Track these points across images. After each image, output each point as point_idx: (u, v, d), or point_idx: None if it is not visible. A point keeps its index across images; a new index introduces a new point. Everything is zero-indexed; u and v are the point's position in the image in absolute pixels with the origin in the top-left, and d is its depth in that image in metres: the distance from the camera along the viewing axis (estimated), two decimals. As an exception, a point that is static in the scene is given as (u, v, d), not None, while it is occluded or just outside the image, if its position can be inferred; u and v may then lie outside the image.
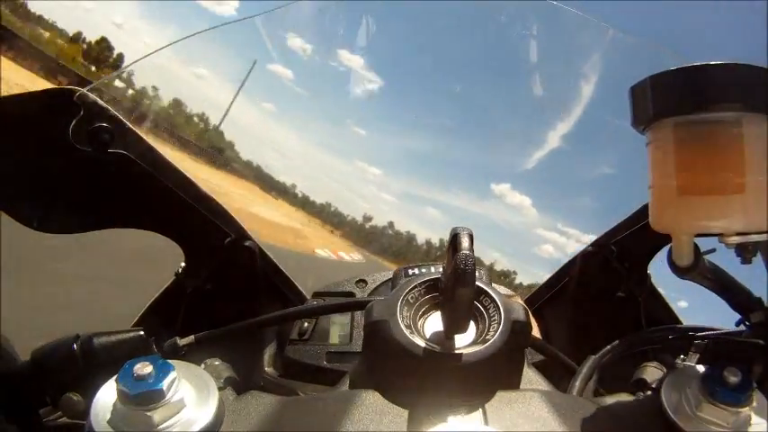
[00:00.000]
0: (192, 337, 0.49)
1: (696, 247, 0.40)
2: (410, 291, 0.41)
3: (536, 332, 0.77)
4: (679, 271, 0.41)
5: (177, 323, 0.61)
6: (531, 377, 0.42)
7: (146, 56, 0.63)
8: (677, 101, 0.36)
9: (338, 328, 0.70)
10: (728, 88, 0.35)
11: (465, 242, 0.35)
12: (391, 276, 0.69)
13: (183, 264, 0.64)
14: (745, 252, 0.37)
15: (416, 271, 0.57)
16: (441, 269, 0.40)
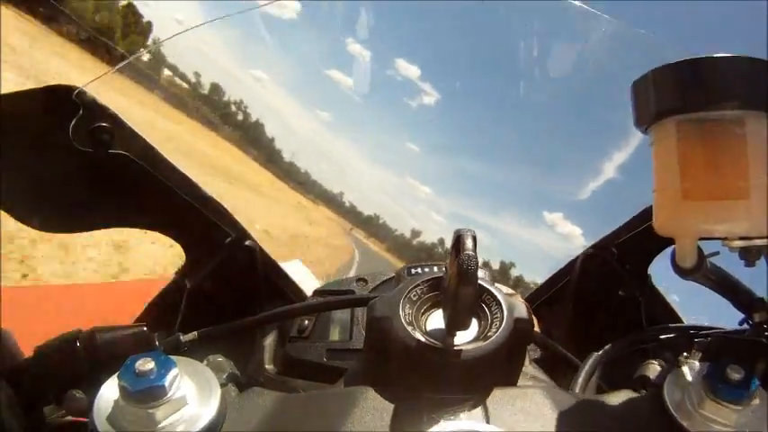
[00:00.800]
0: (194, 333, 0.49)
1: (699, 249, 0.40)
2: (413, 289, 0.41)
3: (536, 331, 0.77)
4: (682, 273, 0.41)
5: (177, 322, 0.61)
6: (532, 374, 0.42)
7: (143, 53, 0.63)
8: (681, 98, 0.35)
9: (339, 326, 0.70)
10: (731, 83, 0.34)
11: (468, 243, 0.35)
12: (391, 275, 0.69)
13: (183, 263, 0.64)
14: (748, 255, 0.37)
15: (419, 270, 0.57)
16: (443, 269, 0.40)
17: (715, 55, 0.35)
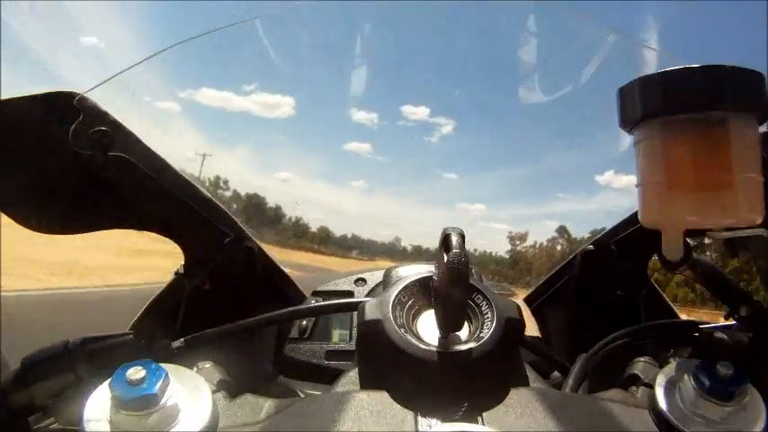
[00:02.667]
0: (181, 340, 0.49)
1: (686, 242, 0.40)
2: (402, 290, 0.41)
3: (533, 330, 0.77)
4: (670, 266, 0.41)
5: (176, 323, 0.61)
6: (525, 375, 0.42)
7: (144, 60, 0.63)
8: (666, 103, 0.36)
9: (338, 327, 0.70)
10: (716, 90, 0.35)
11: (457, 241, 0.35)
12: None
13: (182, 264, 0.64)
14: (732, 247, 0.37)
15: (409, 270, 0.57)
16: (432, 268, 0.40)
17: (700, 65, 0.36)
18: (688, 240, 0.40)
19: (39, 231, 0.53)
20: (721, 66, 0.35)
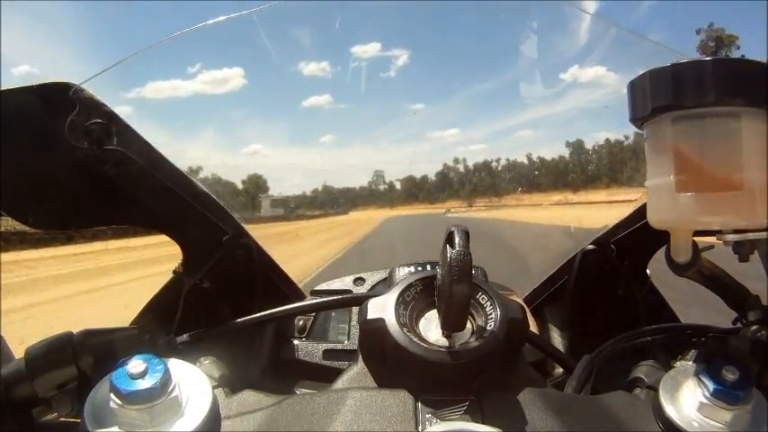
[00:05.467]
0: (186, 335, 0.49)
1: (694, 244, 0.40)
2: (406, 288, 0.41)
3: (534, 330, 0.77)
4: (677, 268, 0.41)
5: (175, 320, 0.61)
6: (528, 375, 0.41)
7: (139, 52, 0.62)
8: (676, 95, 0.35)
9: (337, 326, 0.70)
10: (727, 83, 0.34)
11: (461, 240, 0.35)
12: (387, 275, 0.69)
13: (180, 262, 0.64)
14: (742, 249, 0.37)
15: (412, 269, 0.57)
16: (437, 267, 0.40)
17: (711, 57, 0.35)
18: (696, 242, 0.39)
19: (34, 227, 0.52)
20: (733, 58, 0.35)
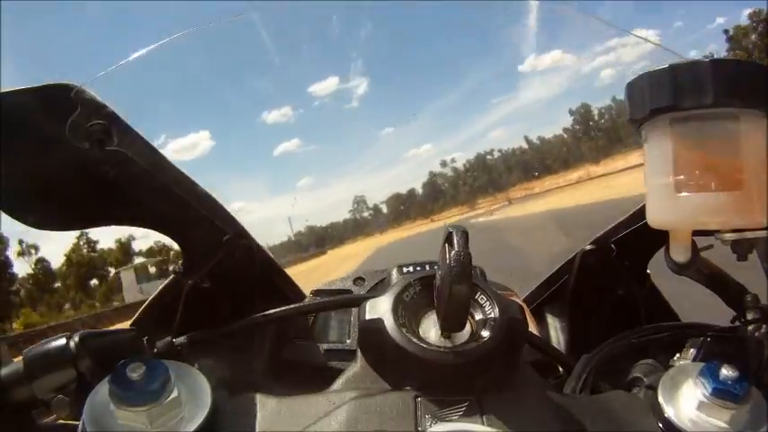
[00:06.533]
0: (185, 336, 0.49)
1: (693, 243, 0.40)
2: (405, 289, 0.41)
3: (534, 330, 0.77)
4: (676, 267, 0.41)
5: (175, 322, 0.61)
6: (527, 375, 0.41)
7: (143, 52, 0.62)
8: (674, 97, 0.35)
9: (337, 326, 0.70)
10: (726, 84, 0.35)
11: (460, 240, 0.35)
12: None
13: (180, 262, 0.64)
14: (741, 249, 0.37)
15: (411, 269, 0.57)
16: (436, 267, 0.40)
17: (710, 59, 0.35)
18: (695, 241, 0.39)
19: (35, 227, 0.52)
20: (731, 59, 0.35)
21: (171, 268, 0.65)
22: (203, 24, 0.63)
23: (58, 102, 0.48)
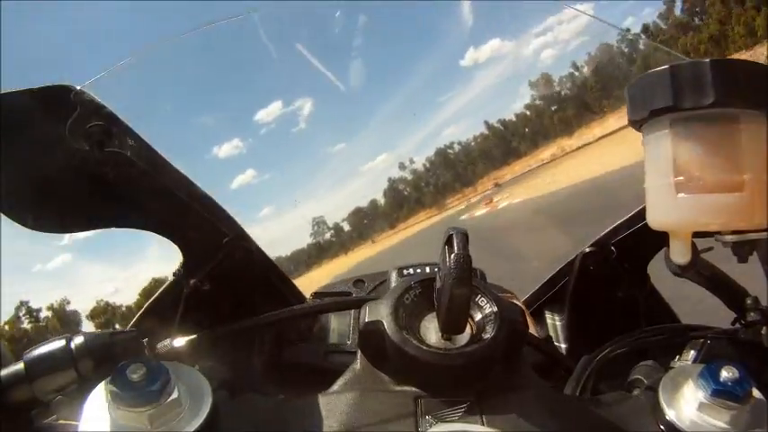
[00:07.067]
0: (185, 338, 0.49)
1: (694, 245, 0.40)
2: (405, 291, 0.41)
3: (534, 332, 0.77)
4: (676, 269, 0.41)
5: (175, 323, 0.61)
6: (528, 377, 0.41)
7: (143, 51, 0.62)
8: (674, 97, 0.35)
9: (337, 327, 0.70)
10: (726, 85, 0.34)
11: (460, 242, 0.35)
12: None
13: (181, 264, 0.64)
14: (741, 250, 0.37)
15: (411, 271, 0.57)
16: (436, 269, 0.40)
17: (709, 59, 0.35)
18: (695, 243, 0.39)
19: (35, 229, 0.52)
20: (731, 60, 0.35)
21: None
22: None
23: (58, 103, 0.48)
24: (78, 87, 0.49)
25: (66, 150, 0.49)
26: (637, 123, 0.39)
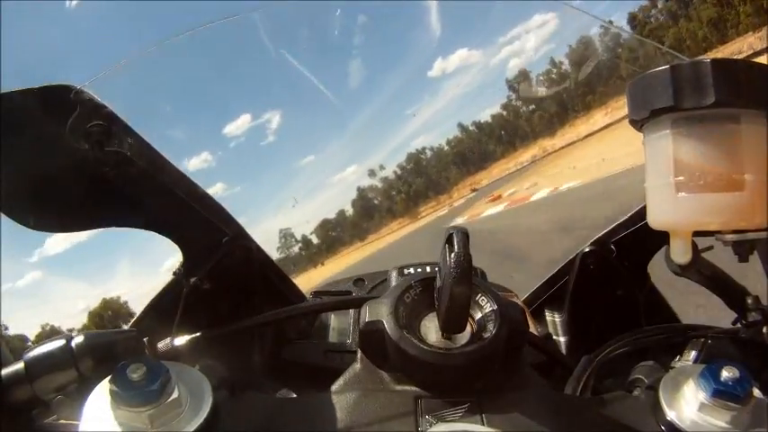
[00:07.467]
0: (185, 337, 0.49)
1: (694, 244, 0.40)
2: (405, 290, 0.41)
3: (534, 331, 0.77)
4: (677, 268, 0.41)
5: (175, 322, 0.61)
6: (528, 376, 0.41)
7: (143, 52, 0.62)
8: (675, 97, 0.35)
9: (337, 327, 0.70)
10: (726, 84, 0.34)
11: (461, 241, 0.35)
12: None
13: (180, 263, 0.64)
14: (742, 250, 0.37)
15: (411, 270, 0.57)
16: (436, 268, 0.40)
17: (711, 58, 0.35)
18: (695, 242, 0.39)
19: (35, 229, 0.52)
20: (732, 60, 0.35)
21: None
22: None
23: (58, 103, 0.48)
24: (78, 87, 0.49)
25: (66, 150, 0.49)
26: (637, 123, 0.39)
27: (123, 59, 0.61)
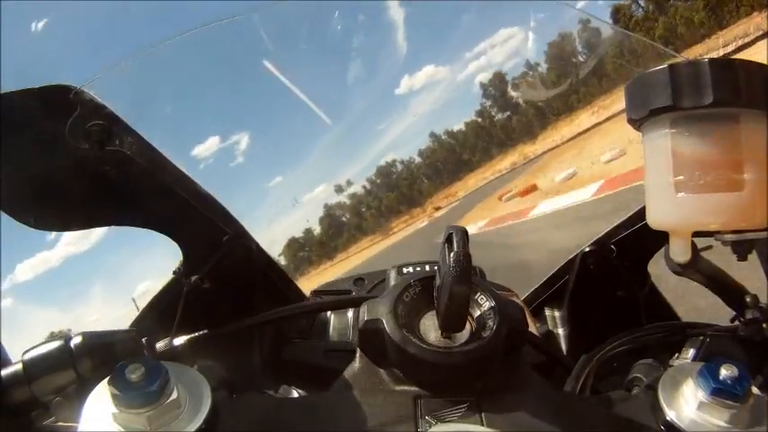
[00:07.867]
0: (184, 338, 0.49)
1: (693, 244, 0.40)
2: (405, 289, 0.41)
3: (534, 330, 0.77)
4: (676, 268, 0.41)
5: (175, 322, 0.61)
6: (527, 375, 0.41)
7: (143, 52, 0.62)
8: (674, 97, 0.35)
9: (337, 326, 0.70)
10: (725, 84, 0.34)
11: (460, 240, 0.35)
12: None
13: (181, 262, 0.64)
14: (741, 249, 0.37)
15: (411, 269, 0.57)
16: (435, 267, 0.40)
17: (710, 58, 0.35)
18: (695, 242, 0.39)
19: (36, 228, 0.52)
20: (731, 60, 0.35)
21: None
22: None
23: (58, 103, 0.48)
24: (78, 87, 0.49)
25: (66, 149, 0.49)
26: (636, 122, 0.39)
27: (123, 60, 0.61)
